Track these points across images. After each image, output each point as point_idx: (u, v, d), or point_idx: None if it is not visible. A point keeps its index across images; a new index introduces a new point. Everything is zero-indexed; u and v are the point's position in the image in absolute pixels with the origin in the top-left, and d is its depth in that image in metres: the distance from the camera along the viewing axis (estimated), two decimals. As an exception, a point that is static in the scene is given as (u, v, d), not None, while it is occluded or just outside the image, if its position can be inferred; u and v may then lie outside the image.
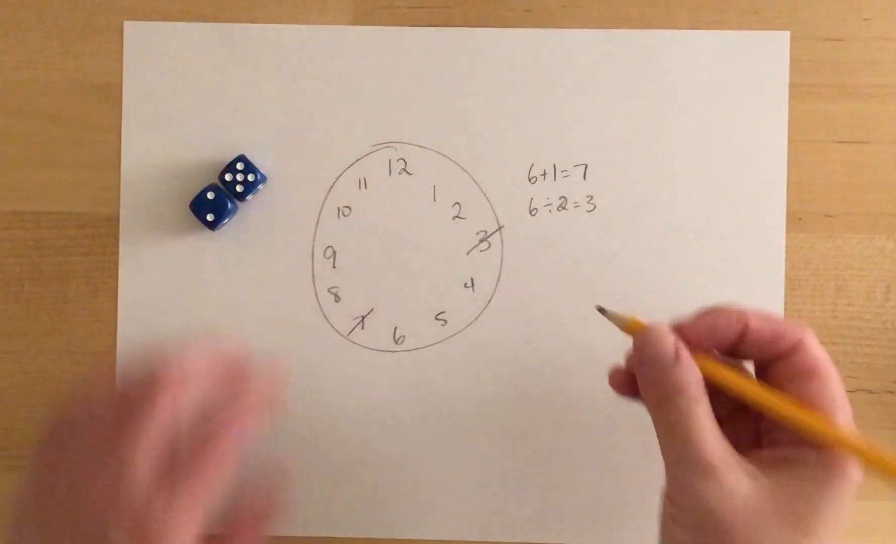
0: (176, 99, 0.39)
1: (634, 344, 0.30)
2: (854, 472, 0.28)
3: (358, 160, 0.39)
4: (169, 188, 0.39)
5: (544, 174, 0.39)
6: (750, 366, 0.32)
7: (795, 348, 0.29)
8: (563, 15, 0.39)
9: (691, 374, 0.29)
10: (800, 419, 0.28)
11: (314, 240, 0.39)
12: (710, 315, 0.30)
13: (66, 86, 0.39)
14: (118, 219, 0.39)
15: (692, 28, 0.39)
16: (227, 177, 0.38)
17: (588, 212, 0.39)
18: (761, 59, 0.39)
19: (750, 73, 0.39)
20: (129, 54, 0.39)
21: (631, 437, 0.38)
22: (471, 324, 0.39)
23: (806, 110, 0.39)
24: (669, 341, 0.29)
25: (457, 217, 0.39)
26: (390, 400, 0.39)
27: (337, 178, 0.39)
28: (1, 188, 0.39)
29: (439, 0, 0.39)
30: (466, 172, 0.39)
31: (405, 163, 0.39)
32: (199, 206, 0.38)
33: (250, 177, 0.38)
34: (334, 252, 0.39)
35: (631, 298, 0.38)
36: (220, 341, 0.30)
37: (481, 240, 0.39)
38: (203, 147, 0.39)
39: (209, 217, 0.38)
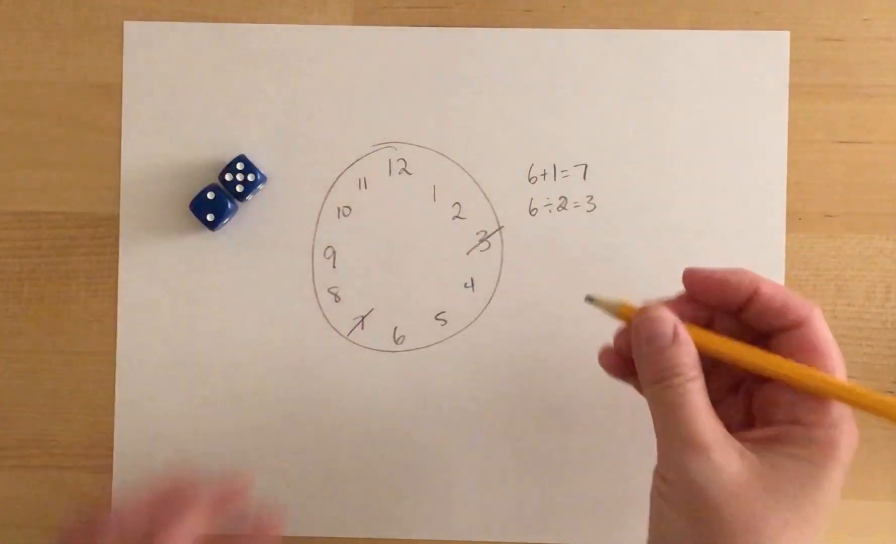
0: (176, 99, 0.39)
1: (633, 324, 0.31)
2: (844, 452, 0.28)
3: (358, 160, 0.39)
4: (169, 188, 0.39)
5: (544, 174, 0.39)
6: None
7: (802, 323, 0.30)
8: (563, 15, 0.39)
9: (689, 354, 0.29)
10: (797, 373, 0.29)
11: (314, 240, 0.39)
12: (724, 271, 0.31)
13: (66, 86, 0.39)
14: (118, 219, 0.39)
15: (692, 28, 0.39)
16: (227, 177, 0.38)
17: (588, 212, 0.39)
18: (761, 59, 0.39)
19: (750, 73, 0.39)
20: (129, 54, 0.39)
21: (631, 437, 0.38)
22: (471, 324, 0.39)
23: (806, 110, 0.39)
24: (668, 321, 0.30)
25: (457, 217, 0.39)
26: (390, 400, 0.39)
27: (337, 178, 0.39)
28: (1, 188, 0.39)
29: (439, 0, 0.39)
30: (466, 172, 0.39)
31: (405, 163, 0.39)
32: (199, 206, 0.38)
33: (250, 177, 0.38)
34: (334, 252, 0.39)
35: (631, 298, 0.38)
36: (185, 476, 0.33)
37: (481, 240, 0.39)
38: (203, 147, 0.39)
39: (209, 217, 0.38)
